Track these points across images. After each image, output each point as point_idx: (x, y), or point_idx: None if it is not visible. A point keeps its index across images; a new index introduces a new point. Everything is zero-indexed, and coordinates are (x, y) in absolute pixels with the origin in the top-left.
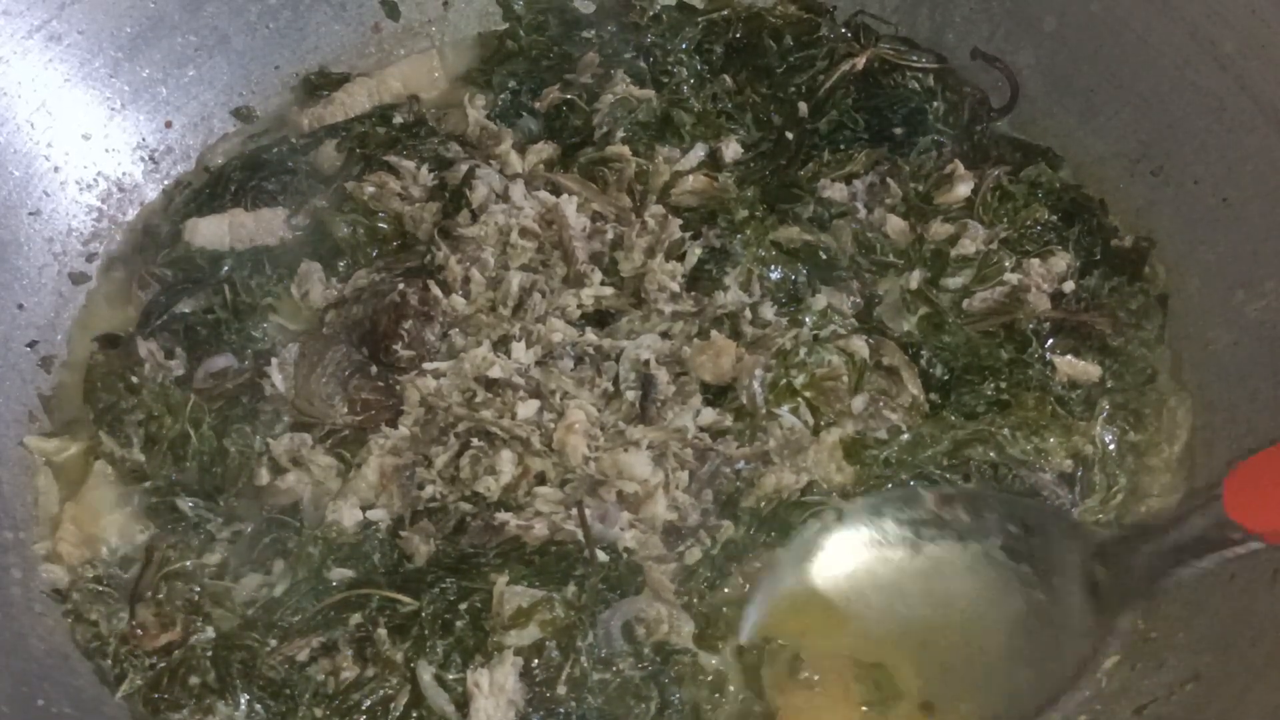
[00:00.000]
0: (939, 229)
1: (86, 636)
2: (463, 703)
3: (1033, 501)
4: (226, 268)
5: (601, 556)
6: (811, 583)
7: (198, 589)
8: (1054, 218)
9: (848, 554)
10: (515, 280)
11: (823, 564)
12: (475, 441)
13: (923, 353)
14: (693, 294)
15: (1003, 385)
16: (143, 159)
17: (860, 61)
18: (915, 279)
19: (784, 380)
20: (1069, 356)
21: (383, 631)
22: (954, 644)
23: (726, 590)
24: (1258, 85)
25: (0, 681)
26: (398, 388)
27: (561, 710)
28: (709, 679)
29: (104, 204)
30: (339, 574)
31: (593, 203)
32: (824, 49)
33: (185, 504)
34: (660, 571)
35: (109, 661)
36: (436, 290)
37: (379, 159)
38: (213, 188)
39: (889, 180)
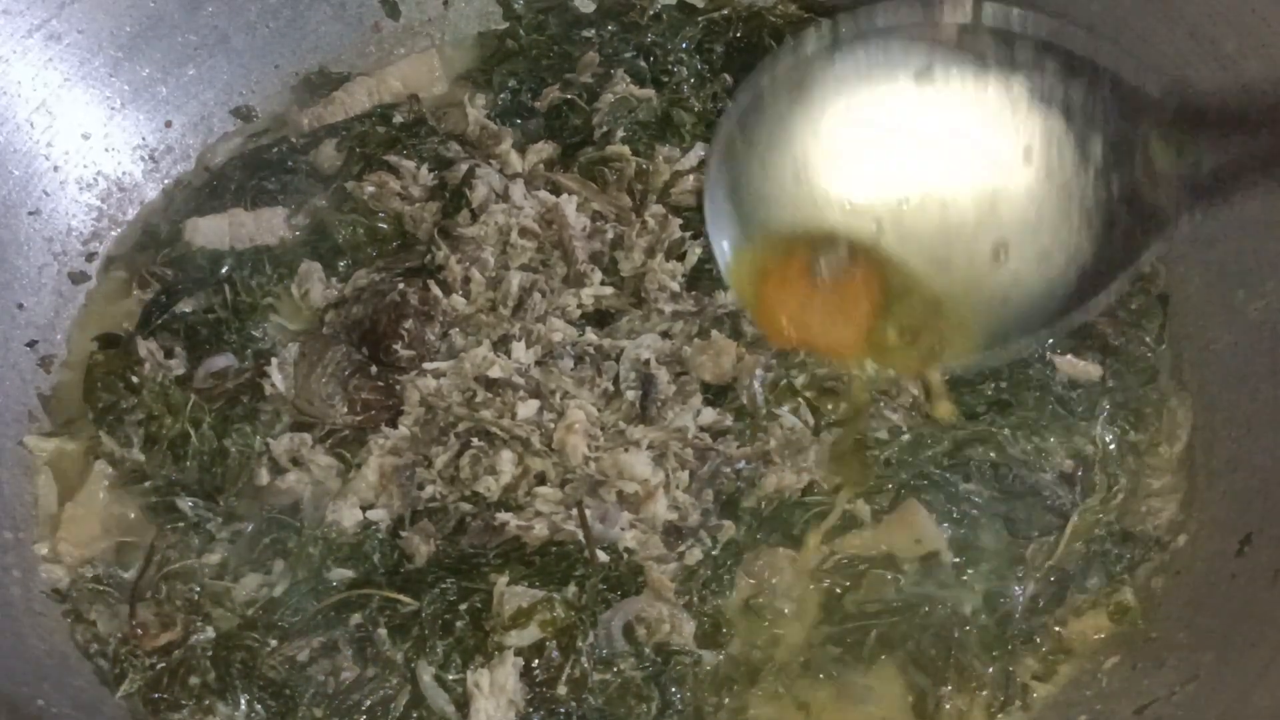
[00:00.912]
0: None
1: (86, 636)
2: (463, 703)
3: (1084, 42)
4: (226, 267)
5: (602, 556)
6: (794, 124)
7: (198, 589)
8: None
9: (841, 82)
10: (515, 280)
11: (812, 96)
12: (475, 441)
13: None
14: (693, 293)
15: (1003, 385)
16: (143, 158)
17: None
18: None
19: (784, 380)
20: (1069, 356)
21: (383, 632)
22: (953, 204)
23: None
24: (1258, 85)
25: (0, 681)
26: (398, 388)
27: (562, 710)
28: (710, 679)
29: (104, 204)
30: (339, 574)
31: (593, 202)
32: None
33: (185, 504)
34: (661, 571)
35: (109, 661)
36: (436, 290)
37: (379, 159)
38: (213, 187)
39: None
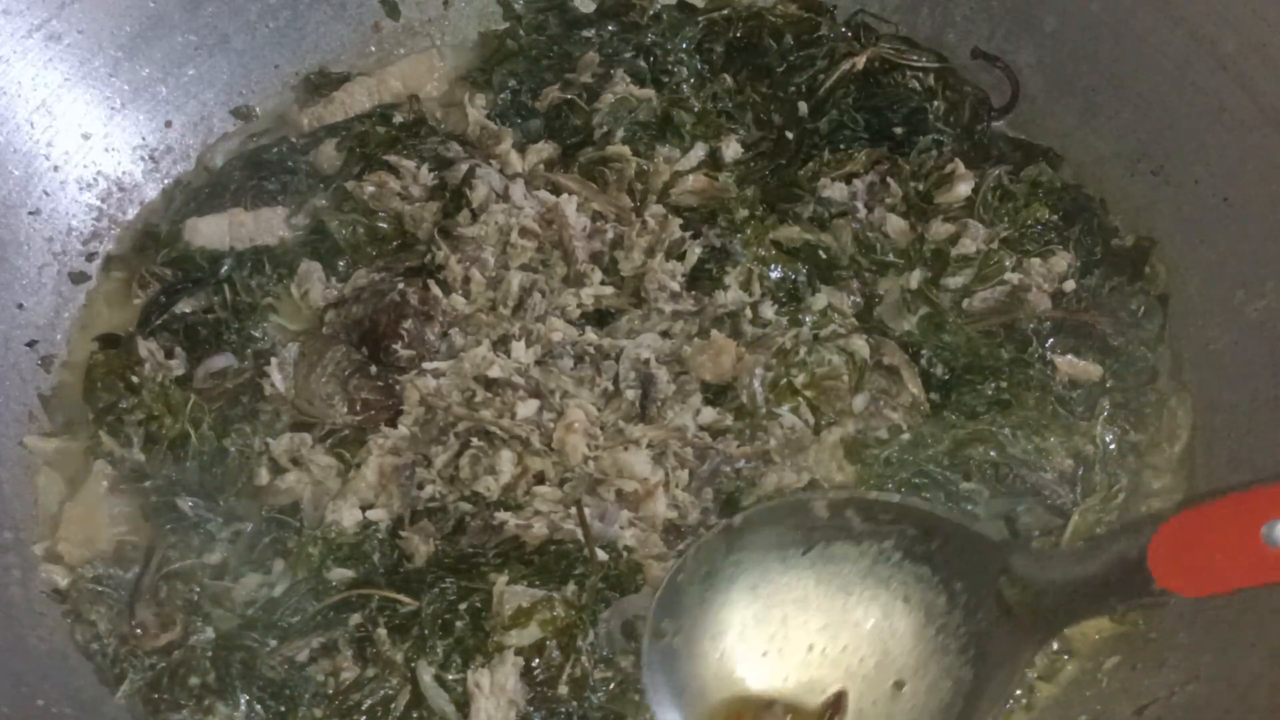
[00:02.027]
0: (939, 228)
1: (86, 636)
2: (463, 703)
3: (932, 507)
4: (226, 267)
5: (601, 555)
6: (707, 599)
7: (198, 589)
8: (1054, 217)
9: (743, 566)
10: (515, 280)
11: (718, 578)
12: (475, 441)
13: (923, 352)
14: (693, 293)
15: (1003, 385)
16: (143, 158)
17: (860, 61)
18: (915, 279)
19: (784, 379)
20: (1069, 356)
21: (383, 632)
22: (860, 655)
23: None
24: (1258, 85)
25: (0, 681)
26: (397, 388)
27: (563, 710)
28: None
29: (104, 203)
30: (339, 574)
31: (593, 202)
32: (824, 48)
33: (185, 504)
34: (661, 570)
35: (109, 661)
36: (436, 290)
37: (379, 158)
38: (213, 187)
39: (889, 180)
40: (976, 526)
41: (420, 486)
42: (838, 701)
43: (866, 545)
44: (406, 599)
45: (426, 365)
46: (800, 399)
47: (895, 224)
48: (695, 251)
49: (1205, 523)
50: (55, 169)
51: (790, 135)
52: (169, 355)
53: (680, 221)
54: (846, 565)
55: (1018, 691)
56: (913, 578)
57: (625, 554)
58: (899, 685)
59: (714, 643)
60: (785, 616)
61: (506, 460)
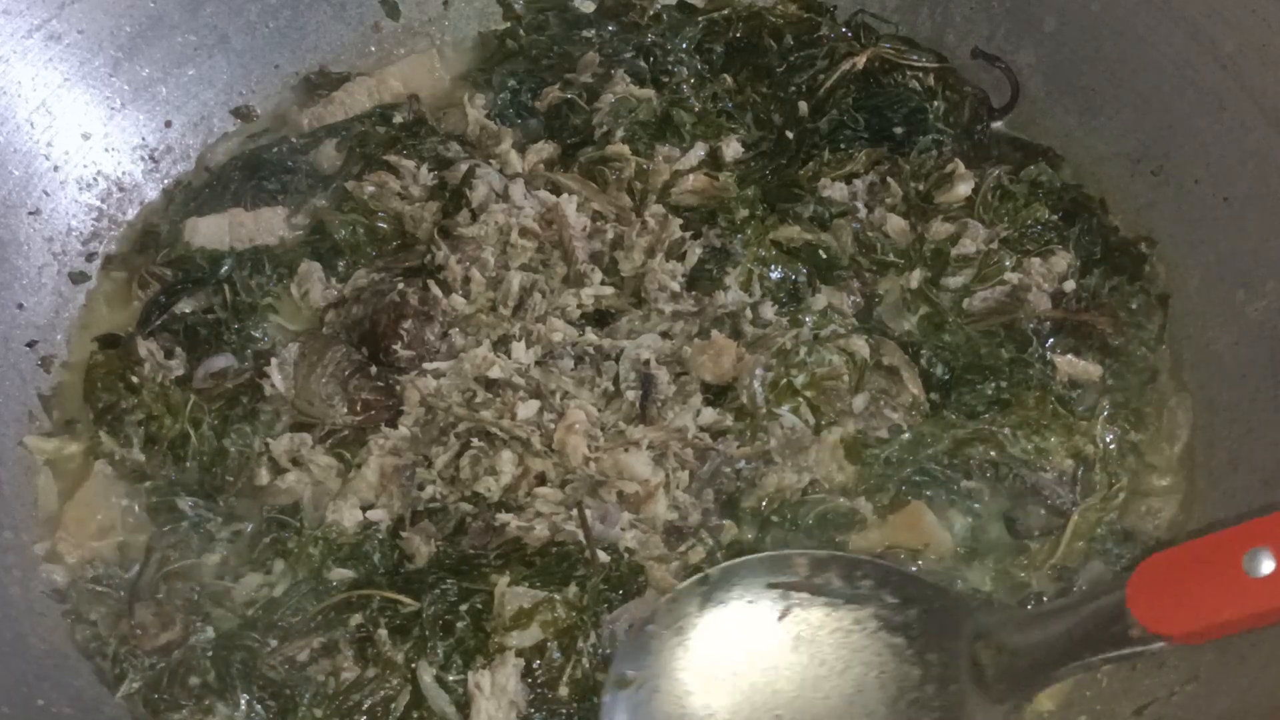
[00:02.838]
0: (939, 228)
1: (86, 636)
2: (464, 704)
3: (912, 573)
4: (226, 267)
5: (602, 557)
6: (676, 658)
7: (198, 589)
8: (1054, 217)
9: (715, 623)
10: (515, 280)
11: (689, 635)
12: (475, 442)
13: (923, 352)
14: (693, 293)
15: (1003, 384)
16: (143, 158)
17: (861, 61)
18: (915, 278)
19: (784, 380)
20: (1069, 356)
21: (383, 632)
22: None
23: None
24: (1258, 85)
25: (0, 681)
26: (398, 388)
27: (564, 711)
28: None
29: (104, 203)
30: (339, 574)
31: (593, 202)
32: (824, 48)
33: (185, 504)
34: (662, 571)
35: (109, 661)
36: (436, 290)
37: (379, 158)
38: (213, 187)
39: (889, 180)
40: (957, 578)
41: (421, 487)
42: None
43: (844, 612)
44: (407, 599)
45: (427, 365)
46: (800, 399)
47: (895, 224)
48: (695, 251)
49: (1185, 558)
50: (55, 169)
51: (790, 135)
52: (169, 355)
53: (680, 221)
54: (822, 633)
55: None
56: (888, 650)
57: (626, 555)
58: None
59: (677, 701)
60: (753, 684)
61: (507, 461)
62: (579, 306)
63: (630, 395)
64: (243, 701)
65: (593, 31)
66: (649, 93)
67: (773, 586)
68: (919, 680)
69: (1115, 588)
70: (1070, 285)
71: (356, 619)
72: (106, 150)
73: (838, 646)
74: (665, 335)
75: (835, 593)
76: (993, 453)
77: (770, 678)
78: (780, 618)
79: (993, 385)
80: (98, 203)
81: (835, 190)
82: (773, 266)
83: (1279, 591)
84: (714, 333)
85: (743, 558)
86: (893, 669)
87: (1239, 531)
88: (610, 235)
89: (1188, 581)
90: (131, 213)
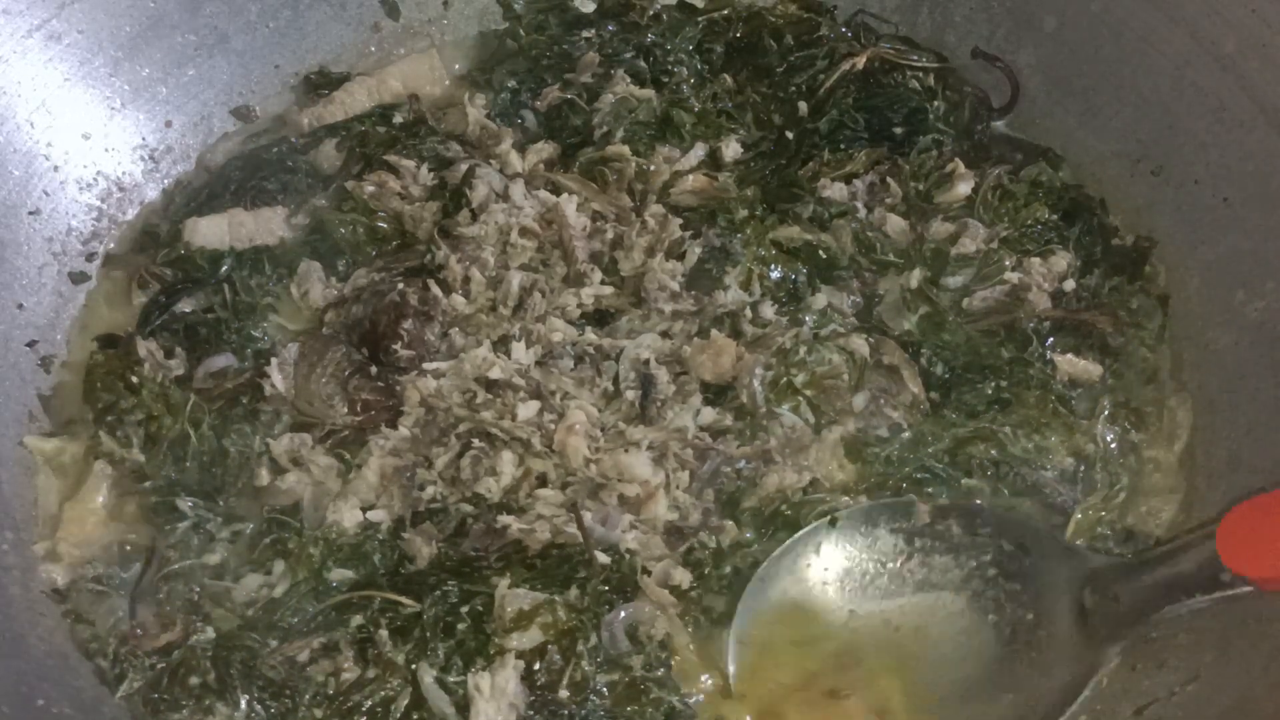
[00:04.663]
0: (939, 228)
1: (86, 636)
2: (464, 705)
3: (1027, 520)
4: (226, 267)
5: (603, 558)
6: (799, 590)
7: (198, 589)
8: (1054, 217)
9: (838, 562)
10: (515, 280)
11: (812, 571)
12: (476, 442)
13: (923, 351)
14: (693, 293)
15: (1003, 384)
16: (143, 158)
17: (860, 61)
18: (915, 278)
19: (784, 379)
20: (1070, 355)
21: (384, 633)
22: (941, 660)
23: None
24: (1258, 85)
25: (0, 681)
26: (398, 388)
27: (564, 713)
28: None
29: (104, 203)
30: (339, 575)
31: (593, 202)
32: (824, 48)
33: (185, 504)
34: (655, 585)
35: (109, 662)
36: (436, 290)
37: (379, 158)
38: (212, 187)
39: (889, 180)
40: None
41: (421, 488)
42: None
43: (965, 557)
44: (408, 601)
45: (427, 366)
46: (800, 398)
47: (895, 224)
48: (695, 251)
49: (1272, 504)
50: (55, 169)
51: (790, 135)
52: (169, 355)
53: (680, 221)
54: (944, 576)
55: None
56: (1005, 594)
57: (627, 556)
58: (969, 693)
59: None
60: (873, 623)
61: (507, 461)
62: (579, 306)
63: (630, 395)
64: (243, 702)
65: (593, 31)
66: (649, 93)
67: (895, 532)
68: (1033, 623)
69: (1210, 534)
70: (1070, 285)
71: (357, 620)
72: (106, 150)
73: (958, 589)
74: (665, 335)
75: (955, 539)
76: (993, 451)
77: (892, 617)
78: (901, 559)
79: (993, 384)
80: (98, 203)
81: (835, 190)
82: (772, 266)
83: None
84: (714, 332)
85: (868, 503)
86: (1009, 612)
87: None
88: (610, 235)
89: (1274, 527)
90: (131, 213)
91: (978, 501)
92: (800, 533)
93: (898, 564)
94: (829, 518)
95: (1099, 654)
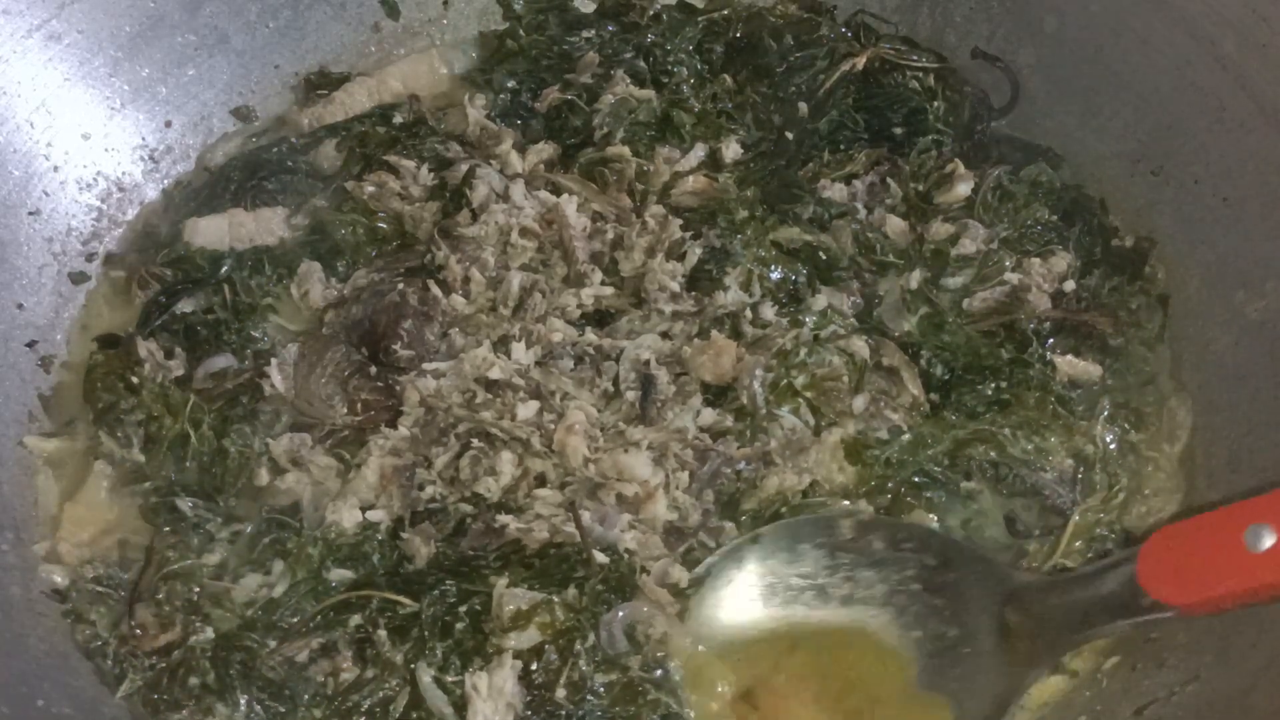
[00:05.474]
0: (939, 229)
1: (86, 636)
2: (462, 705)
3: (949, 536)
4: (226, 268)
5: (602, 558)
6: (721, 611)
7: (197, 589)
8: (1054, 217)
9: (762, 577)
10: (515, 280)
11: (736, 587)
12: (475, 442)
13: (923, 353)
14: (693, 294)
15: (1003, 385)
16: (143, 159)
17: (860, 61)
18: (915, 279)
19: (784, 380)
20: (1069, 356)
21: (383, 633)
22: (864, 676)
23: None
24: (1258, 85)
25: (0, 681)
26: (397, 388)
27: (561, 713)
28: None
29: (104, 204)
30: (339, 575)
31: (593, 203)
32: (824, 49)
33: (185, 504)
34: (654, 583)
35: (109, 662)
36: (436, 290)
37: (379, 158)
38: (212, 187)
39: (889, 180)
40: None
41: (421, 488)
42: None
43: (888, 572)
44: (407, 600)
45: (426, 366)
46: (800, 400)
47: (895, 224)
48: (695, 252)
49: (1191, 531)
50: (55, 169)
51: (790, 135)
52: (169, 356)
53: (680, 222)
54: (870, 591)
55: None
56: (927, 609)
57: (626, 556)
58: (903, 709)
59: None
60: (797, 639)
61: (507, 462)
62: (579, 306)
63: (630, 396)
64: (242, 702)
65: (593, 31)
66: (649, 93)
67: (819, 546)
68: (956, 639)
69: (1131, 558)
70: (1070, 285)
71: (356, 620)
72: (106, 150)
73: (882, 604)
74: (665, 335)
75: (879, 554)
76: (993, 453)
77: (815, 631)
78: (827, 577)
79: (993, 385)
80: (98, 203)
81: (835, 191)
82: (773, 267)
83: (1278, 567)
84: (714, 333)
85: (794, 518)
86: (932, 627)
87: (1241, 507)
88: (610, 235)
89: (1192, 554)
90: (131, 213)
91: (902, 520)
92: (722, 549)
93: (819, 580)
94: (752, 534)
95: (1022, 675)
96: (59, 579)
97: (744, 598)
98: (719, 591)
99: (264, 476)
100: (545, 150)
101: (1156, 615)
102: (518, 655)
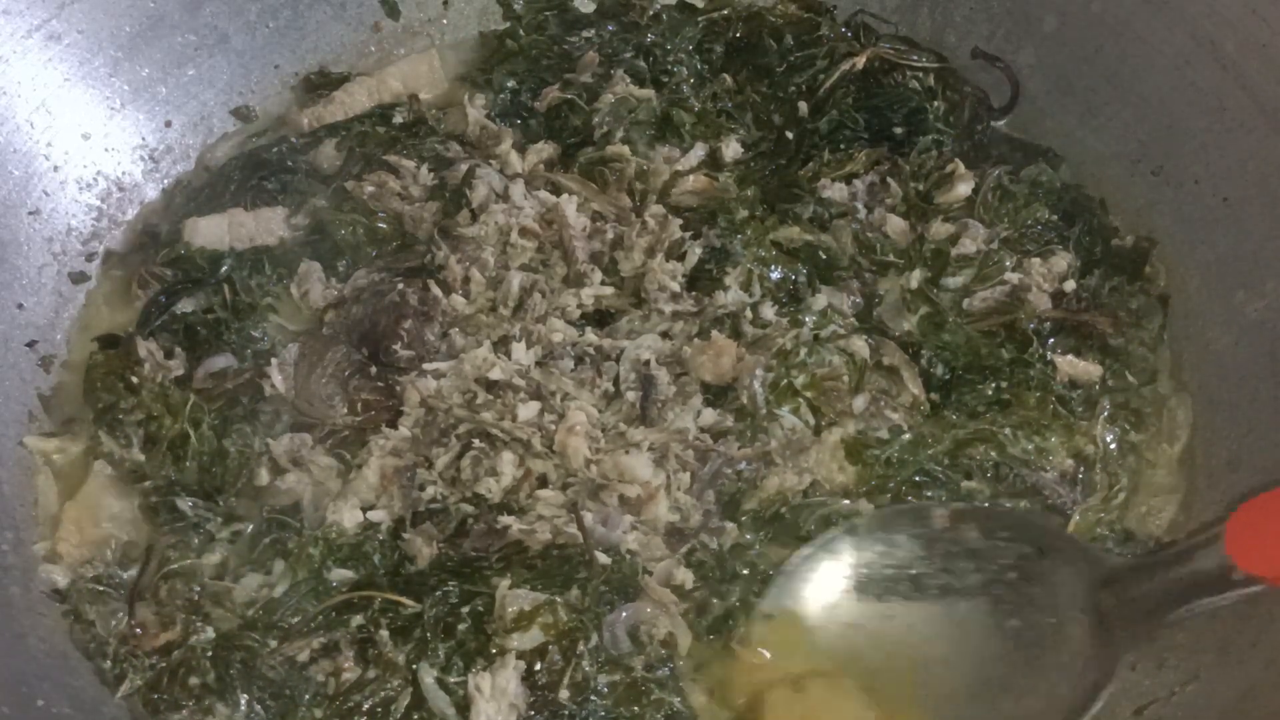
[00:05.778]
0: (939, 229)
1: (86, 636)
2: (464, 706)
3: (1045, 521)
4: (226, 267)
5: (604, 559)
6: (814, 599)
7: (198, 589)
8: (1054, 217)
9: (855, 570)
10: (515, 280)
11: (828, 579)
12: (476, 443)
13: (923, 352)
14: (693, 294)
15: (1003, 385)
16: (143, 158)
17: (860, 61)
18: (915, 279)
19: (785, 380)
20: (1070, 356)
21: (384, 633)
22: (959, 665)
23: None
24: (1258, 85)
25: (0, 681)
26: (398, 388)
27: (565, 713)
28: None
29: (104, 203)
30: (339, 575)
31: (593, 202)
32: (824, 48)
33: (185, 504)
34: (657, 584)
35: (109, 662)
36: (436, 290)
37: (379, 158)
38: (212, 187)
39: (889, 180)
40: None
41: (421, 488)
42: None
43: (984, 561)
44: (409, 601)
45: (427, 366)
46: (801, 400)
47: (895, 224)
48: (695, 252)
49: (1277, 501)
50: (55, 169)
51: (790, 135)
52: (169, 355)
53: (680, 221)
54: (966, 581)
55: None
56: (1024, 598)
57: (628, 557)
58: (988, 699)
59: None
60: (893, 631)
61: (508, 462)
62: (579, 307)
63: (630, 396)
64: (243, 702)
65: (593, 31)
66: (649, 93)
67: (915, 537)
68: (1053, 626)
69: (1220, 533)
70: (1070, 285)
71: (357, 620)
72: (106, 150)
73: (978, 594)
74: (665, 335)
75: (974, 544)
76: (993, 453)
77: (911, 623)
78: (924, 567)
79: (993, 385)
80: (98, 203)
81: (835, 190)
82: (773, 267)
83: None
84: (714, 333)
85: (887, 508)
86: (1030, 615)
87: None
88: (610, 235)
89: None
90: (131, 213)
91: (1003, 503)
92: (816, 540)
93: (915, 570)
94: (849, 524)
95: (1115, 658)
96: (59, 579)
97: (835, 589)
98: (810, 579)
99: (264, 476)
100: (545, 150)
101: (1247, 589)
102: (521, 656)
